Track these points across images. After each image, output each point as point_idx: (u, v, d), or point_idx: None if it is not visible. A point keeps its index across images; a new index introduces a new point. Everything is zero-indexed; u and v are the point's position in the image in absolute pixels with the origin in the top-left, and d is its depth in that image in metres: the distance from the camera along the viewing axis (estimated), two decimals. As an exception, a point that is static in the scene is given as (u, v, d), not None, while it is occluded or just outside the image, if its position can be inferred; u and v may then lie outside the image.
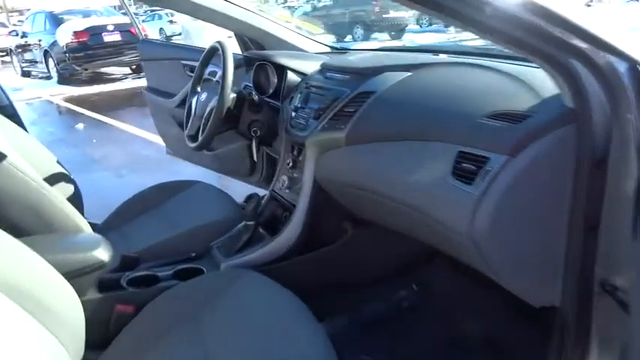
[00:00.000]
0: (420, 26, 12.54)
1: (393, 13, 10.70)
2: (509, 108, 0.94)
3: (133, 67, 9.31)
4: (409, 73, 1.26)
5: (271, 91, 1.67)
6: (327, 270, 1.47)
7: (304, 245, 1.42)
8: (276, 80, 1.67)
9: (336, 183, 1.34)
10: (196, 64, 2.17)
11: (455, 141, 0.99)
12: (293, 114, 1.48)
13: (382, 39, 10.84)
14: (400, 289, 1.56)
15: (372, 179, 1.20)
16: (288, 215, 1.47)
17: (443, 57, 1.43)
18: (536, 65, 1.17)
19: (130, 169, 3.85)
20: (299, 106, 1.47)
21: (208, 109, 1.56)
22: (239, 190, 2.37)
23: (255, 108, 1.59)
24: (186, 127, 1.71)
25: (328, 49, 1.94)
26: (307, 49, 1.91)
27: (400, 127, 1.15)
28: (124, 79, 9.10)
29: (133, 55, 8.68)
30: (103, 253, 1.20)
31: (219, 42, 1.59)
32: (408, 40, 10.62)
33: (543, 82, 1.00)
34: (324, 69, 1.50)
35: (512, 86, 1.03)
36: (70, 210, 1.29)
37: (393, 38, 10.59)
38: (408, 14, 11.29)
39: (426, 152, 1.05)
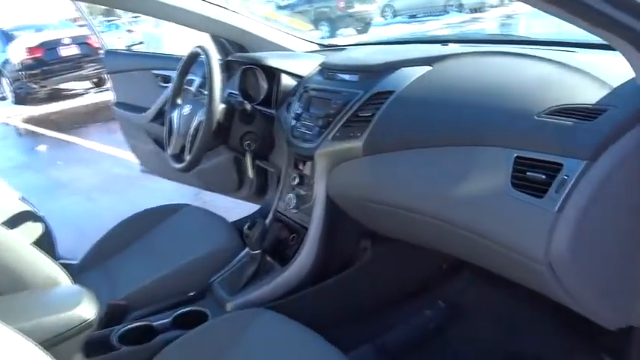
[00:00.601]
0: (385, 19, 12.49)
1: (358, 7, 10.56)
2: (574, 102, 0.79)
3: (94, 80, 8.91)
4: (429, 68, 1.10)
5: (262, 97, 1.49)
6: (346, 296, 1.29)
7: (320, 272, 1.24)
8: (266, 85, 1.48)
9: (353, 199, 1.17)
10: (170, 73, 2.00)
11: (509, 144, 0.83)
12: (294, 122, 1.29)
13: (348, 34, 10.71)
14: (425, 309, 1.40)
15: (401, 194, 1.03)
16: (297, 237, 1.29)
17: (456, 47, 1.27)
18: (582, 49, 1.04)
19: (101, 190, 3.58)
20: (300, 113, 1.28)
21: (195, 124, 1.36)
22: (221, 203, 2.20)
23: (246, 118, 1.40)
24: (168, 145, 1.51)
25: (318, 47, 1.76)
26: (294, 49, 1.73)
27: (430, 131, 0.98)
28: (86, 94, 8.70)
29: (94, 68, 8.28)
30: (87, 310, 1.00)
31: (200, 47, 1.39)
32: (375, 34, 10.53)
33: (602, 67, 0.86)
34: (325, 69, 1.32)
35: (566, 75, 0.87)
36: (40, 258, 1.08)
37: (360, 33, 10.47)
38: (372, 7, 11.20)
39: (470, 159, 0.88)
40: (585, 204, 0.72)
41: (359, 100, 1.12)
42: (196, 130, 1.35)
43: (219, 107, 1.32)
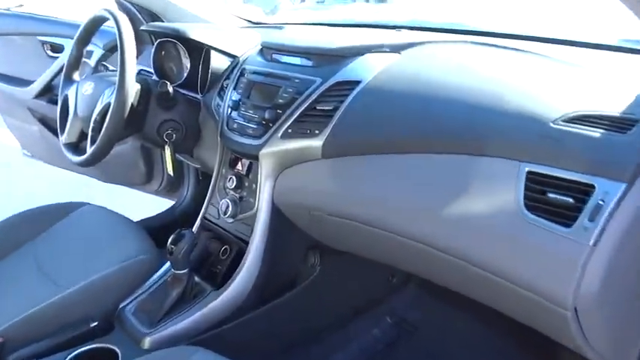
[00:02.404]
0: (292, 2, 12.29)
1: (266, -13, 10.23)
2: (596, 109, 0.66)
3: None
4: (398, 55, 0.93)
5: (184, 78, 1.24)
6: (291, 320, 1.11)
7: (261, 294, 1.04)
8: (189, 64, 1.23)
9: (306, 209, 0.98)
10: (62, 41, 1.67)
11: (516, 156, 0.68)
12: (229, 112, 1.07)
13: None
14: (373, 326, 1.26)
15: (371, 208, 0.86)
16: (229, 251, 1.08)
17: (412, 34, 1.13)
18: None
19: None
20: (237, 100, 1.06)
21: (100, 107, 1.09)
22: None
23: (166, 103, 1.15)
24: (63, 131, 1.20)
25: (247, 24, 1.52)
26: (217, 23, 1.48)
27: (410, 132, 0.82)
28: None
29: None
30: None
31: (107, 10, 1.11)
32: (285, 18, 10.29)
33: (618, 70, 0.76)
34: (268, 49, 1.10)
35: (579, 77, 0.75)
36: None
37: (269, 15, 10.18)
38: (280, -11, 10.92)
39: (465, 171, 0.73)
40: (622, 236, 0.59)
41: (316, 89, 0.93)
42: (102, 114, 1.08)
43: (134, 88, 1.06)
